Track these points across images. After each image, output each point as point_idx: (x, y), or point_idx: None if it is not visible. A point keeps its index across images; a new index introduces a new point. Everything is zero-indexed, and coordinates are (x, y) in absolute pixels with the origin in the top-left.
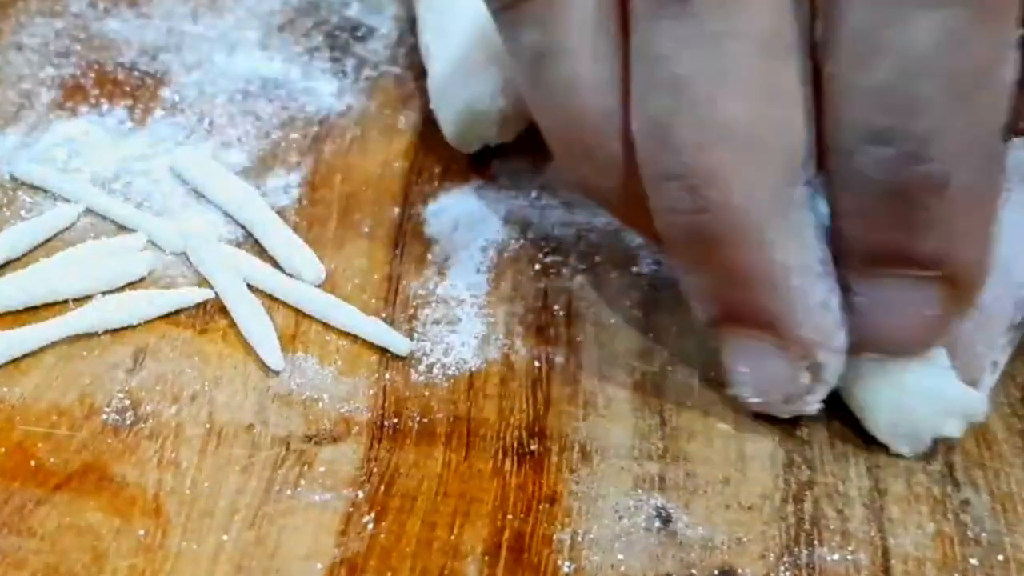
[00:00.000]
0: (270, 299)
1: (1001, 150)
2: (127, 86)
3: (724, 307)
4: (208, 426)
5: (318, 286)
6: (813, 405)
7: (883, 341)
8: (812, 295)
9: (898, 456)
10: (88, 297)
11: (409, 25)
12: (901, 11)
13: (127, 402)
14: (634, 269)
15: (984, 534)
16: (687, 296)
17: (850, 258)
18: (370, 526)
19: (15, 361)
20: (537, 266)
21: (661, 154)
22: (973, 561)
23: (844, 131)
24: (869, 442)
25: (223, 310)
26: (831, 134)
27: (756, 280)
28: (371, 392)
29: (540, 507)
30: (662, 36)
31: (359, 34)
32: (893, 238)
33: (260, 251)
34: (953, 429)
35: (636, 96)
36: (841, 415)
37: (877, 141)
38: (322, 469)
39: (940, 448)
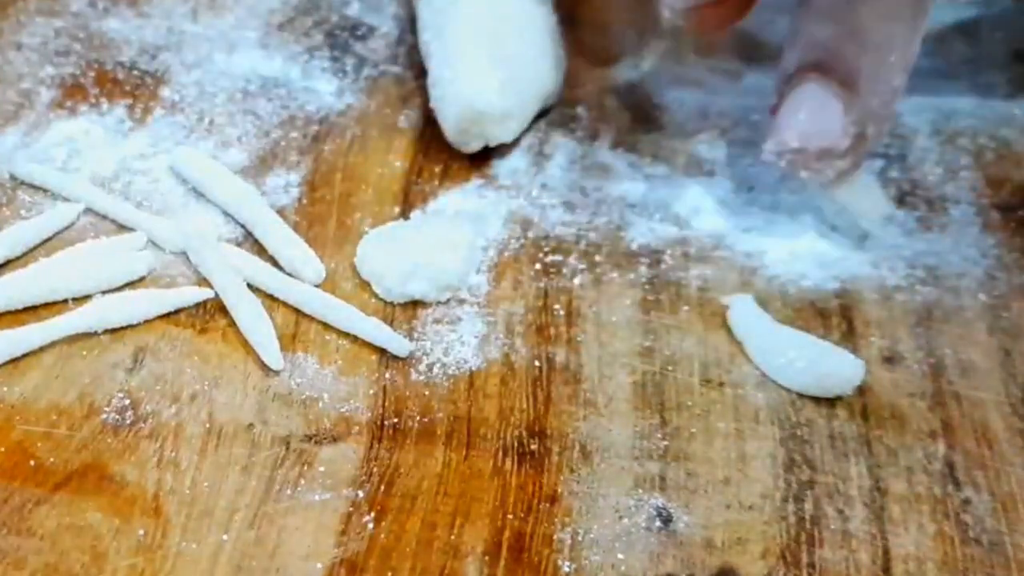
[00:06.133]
0: (270, 299)
1: None
2: (127, 85)
3: (819, 56)
4: (208, 426)
5: (318, 286)
6: (834, 173)
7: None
8: (897, 77)
9: (899, 455)
10: (88, 297)
11: (409, 24)
12: None
13: (127, 402)
14: (634, 269)
15: (985, 534)
16: (787, 44)
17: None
18: (370, 526)
19: (15, 361)
20: (537, 266)
21: None
22: (974, 561)
23: None
24: (870, 441)
25: (223, 310)
26: None
27: (872, 43)
28: (371, 392)
29: (540, 507)
30: None
31: (359, 33)
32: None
33: (260, 251)
34: None
35: None
36: (841, 415)
37: None
38: (322, 469)
39: (941, 448)
